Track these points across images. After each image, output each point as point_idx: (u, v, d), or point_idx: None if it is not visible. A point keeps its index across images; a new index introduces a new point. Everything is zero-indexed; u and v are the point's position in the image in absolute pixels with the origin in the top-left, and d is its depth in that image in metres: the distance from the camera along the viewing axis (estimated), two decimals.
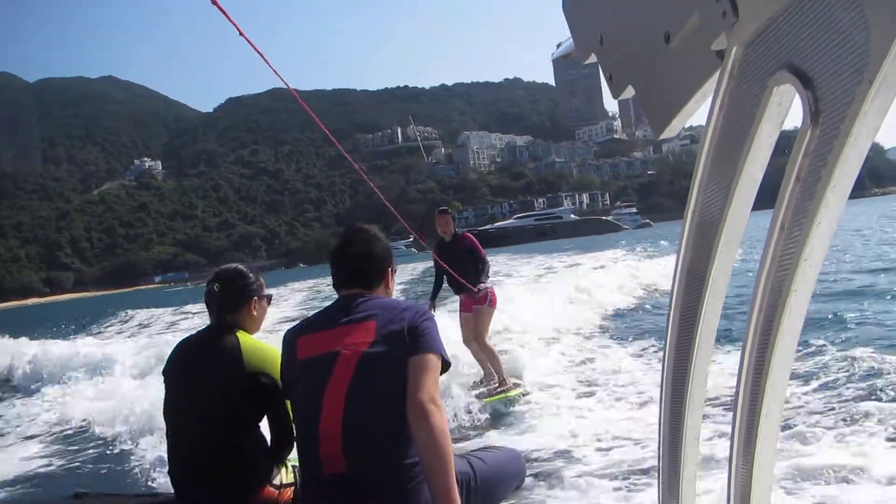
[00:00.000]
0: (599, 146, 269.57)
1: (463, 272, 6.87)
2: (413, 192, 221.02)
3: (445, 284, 7.42)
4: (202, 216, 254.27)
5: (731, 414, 0.89)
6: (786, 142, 0.81)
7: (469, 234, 7.30)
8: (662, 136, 1.07)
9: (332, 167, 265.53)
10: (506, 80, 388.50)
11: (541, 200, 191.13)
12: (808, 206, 0.76)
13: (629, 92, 1.12)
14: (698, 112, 1.01)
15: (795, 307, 0.83)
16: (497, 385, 7.02)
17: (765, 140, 0.86)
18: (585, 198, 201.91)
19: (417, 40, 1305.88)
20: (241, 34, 2.31)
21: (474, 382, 7.37)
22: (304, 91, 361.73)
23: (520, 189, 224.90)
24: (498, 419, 6.33)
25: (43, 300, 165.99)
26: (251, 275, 3.00)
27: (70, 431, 7.74)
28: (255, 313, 2.95)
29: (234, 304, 2.89)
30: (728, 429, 0.93)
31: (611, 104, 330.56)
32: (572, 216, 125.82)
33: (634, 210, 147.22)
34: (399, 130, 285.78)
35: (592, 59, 1.22)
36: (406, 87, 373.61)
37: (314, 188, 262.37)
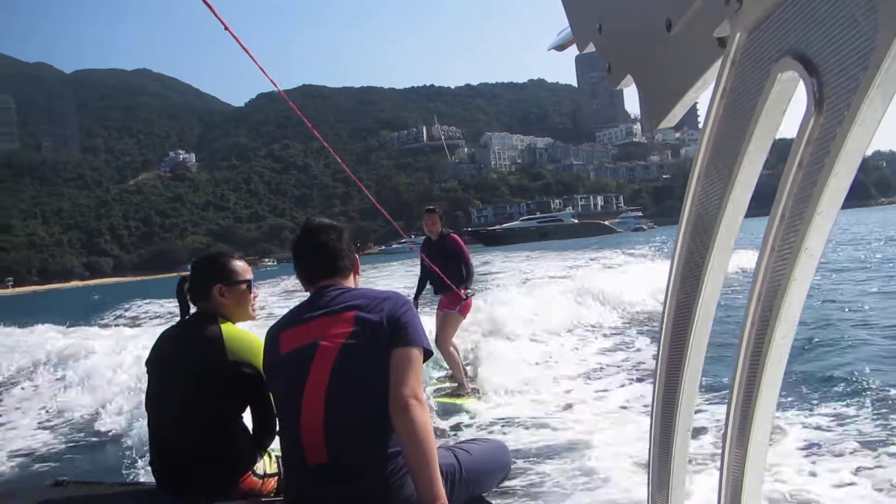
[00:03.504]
0: (618, 149, 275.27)
1: (443, 272, 6.87)
2: (436, 191, 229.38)
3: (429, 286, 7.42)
4: (234, 208, 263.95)
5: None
6: (781, 148, 0.80)
7: (454, 235, 7.20)
8: (661, 126, 1.06)
9: (359, 163, 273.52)
10: (530, 80, 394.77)
11: (557, 202, 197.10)
12: (810, 194, 0.75)
13: (628, 81, 1.10)
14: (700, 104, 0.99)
15: (794, 297, 0.82)
16: (456, 387, 7.08)
17: (767, 129, 0.84)
18: (600, 200, 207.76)
19: (443, 40, 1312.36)
20: (227, 29, 2.28)
21: (446, 375, 7.62)
22: (332, 88, 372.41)
23: (537, 190, 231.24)
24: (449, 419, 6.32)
25: (84, 283, 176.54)
26: (219, 260, 2.91)
27: (51, 420, 7.69)
28: (223, 300, 2.79)
29: (200, 291, 2.83)
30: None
31: (632, 106, 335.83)
32: (572, 220, 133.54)
33: (640, 214, 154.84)
34: (424, 129, 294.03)
35: (591, 48, 1.20)
36: (432, 86, 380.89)
37: (341, 183, 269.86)
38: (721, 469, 0.99)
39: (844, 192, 0.74)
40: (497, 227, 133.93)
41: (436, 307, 7.47)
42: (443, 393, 7.07)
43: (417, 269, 7.88)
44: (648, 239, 52.63)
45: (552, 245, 56.19)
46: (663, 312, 1.14)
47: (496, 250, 58.38)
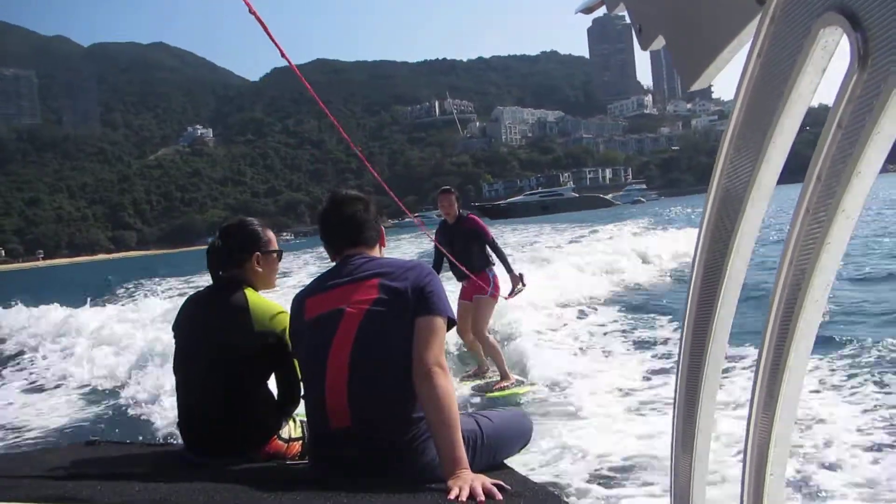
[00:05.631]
0: (629, 121, 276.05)
1: (467, 257, 6.44)
2: (448, 165, 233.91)
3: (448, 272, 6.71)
4: (251, 182, 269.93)
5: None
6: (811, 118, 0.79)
7: (473, 216, 6.73)
8: (694, 88, 1.03)
9: (372, 139, 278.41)
10: (542, 52, 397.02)
11: (565, 175, 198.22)
12: (850, 153, 0.73)
13: (659, 42, 1.08)
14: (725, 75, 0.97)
15: (829, 261, 0.81)
16: (499, 380, 6.45)
17: (806, 88, 0.82)
18: (608, 173, 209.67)
19: (457, 12, 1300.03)
20: (250, 9, 2.30)
21: (465, 374, 7.01)
22: (346, 62, 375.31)
23: (547, 164, 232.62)
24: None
25: (110, 256, 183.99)
26: (256, 228, 2.90)
27: (83, 384, 7.87)
28: (258, 269, 2.84)
29: (235, 258, 2.83)
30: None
31: (644, 78, 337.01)
32: (572, 193, 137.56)
33: (644, 186, 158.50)
34: (436, 103, 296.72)
35: (621, 9, 1.19)
36: (445, 59, 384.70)
37: (355, 158, 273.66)
38: (746, 435, 0.97)
39: (885, 153, 0.72)
40: (500, 202, 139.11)
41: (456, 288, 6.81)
42: (488, 390, 6.38)
43: (426, 241, 7.07)
44: (644, 211, 55.57)
45: (552, 219, 59.19)
46: (690, 278, 1.13)
47: (499, 223, 63.39)
